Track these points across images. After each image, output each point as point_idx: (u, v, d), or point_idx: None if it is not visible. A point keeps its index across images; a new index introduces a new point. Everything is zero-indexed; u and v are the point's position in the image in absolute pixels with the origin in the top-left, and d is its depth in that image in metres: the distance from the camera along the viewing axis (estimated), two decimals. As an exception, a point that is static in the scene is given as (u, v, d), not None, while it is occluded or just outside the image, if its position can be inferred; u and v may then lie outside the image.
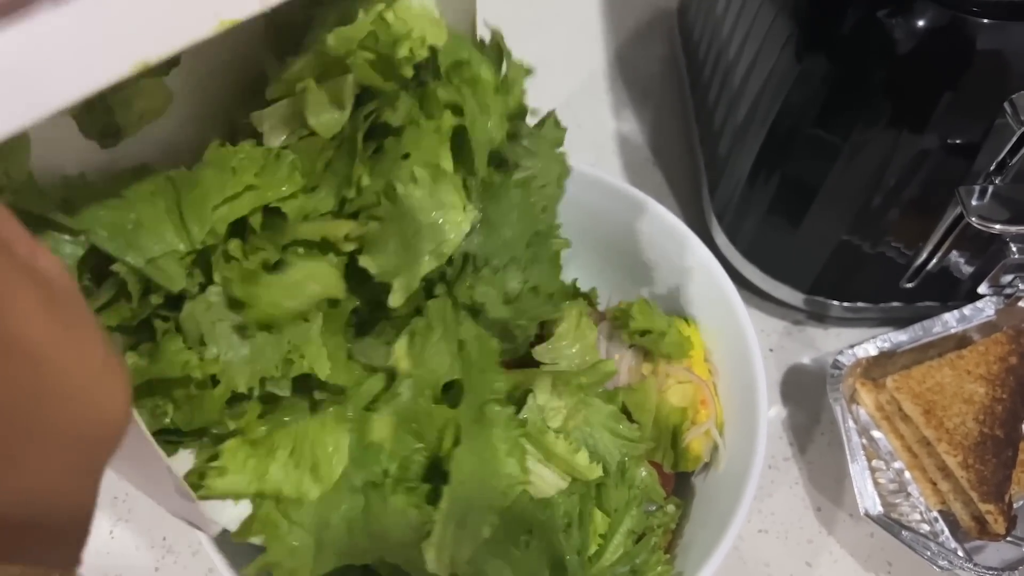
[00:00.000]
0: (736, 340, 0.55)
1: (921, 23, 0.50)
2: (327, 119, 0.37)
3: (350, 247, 0.38)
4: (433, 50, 0.37)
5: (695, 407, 0.56)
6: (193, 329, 0.35)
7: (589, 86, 0.85)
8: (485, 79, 0.40)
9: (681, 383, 0.57)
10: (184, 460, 0.39)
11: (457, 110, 0.39)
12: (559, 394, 0.49)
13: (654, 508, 0.50)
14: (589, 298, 0.62)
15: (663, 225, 0.58)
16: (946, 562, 0.56)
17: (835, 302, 0.67)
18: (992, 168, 0.55)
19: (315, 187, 0.37)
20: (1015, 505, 0.59)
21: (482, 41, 0.42)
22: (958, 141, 0.54)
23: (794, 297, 0.68)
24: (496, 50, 0.42)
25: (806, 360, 0.70)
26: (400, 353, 0.41)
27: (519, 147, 0.43)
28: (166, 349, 0.35)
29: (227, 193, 0.35)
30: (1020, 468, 0.60)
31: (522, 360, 0.57)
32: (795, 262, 0.67)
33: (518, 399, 0.49)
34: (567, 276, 0.63)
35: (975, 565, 0.56)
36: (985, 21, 0.49)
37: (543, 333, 0.57)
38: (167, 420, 0.36)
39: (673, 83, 0.86)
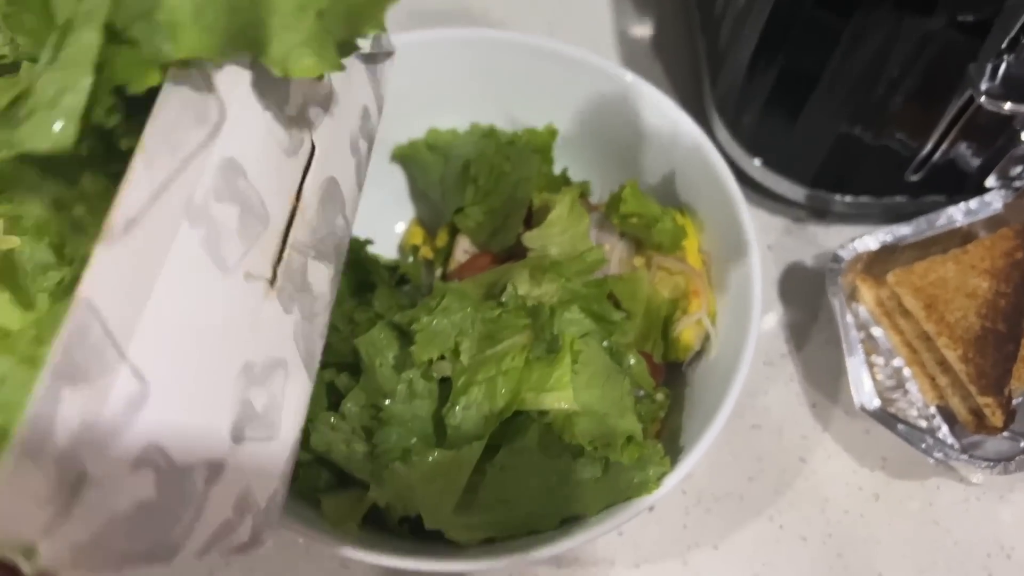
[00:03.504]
0: (730, 226, 0.53)
1: None
2: None
3: None
4: None
5: (687, 297, 0.54)
6: None
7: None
8: None
9: (673, 274, 0.55)
10: None
11: None
12: (539, 283, 0.48)
13: (642, 395, 0.49)
14: (582, 190, 0.60)
15: (656, 108, 0.56)
16: (941, 454, 0.55)
17: (838, 196, 0.65)
18: (1004, 46, 0.52)
19: None
20: (1014, 401, 0.58)
21: None
22: (968, 18, 0.51)
23: (796, 192, 0.66)
24: None
25: (806, 258, 0.68)
26: None
27: None
28: None
29: None
30: (1021, 363, 0.59)
31: (511, 250, 0.56)
32: (797, 155, 0.65)
33: (498, 294, 0.48)
34: (558, 166, 0.62)
35: (971, 456, 0.55)
36: None
37: (532, 221, 0.55)
38: None
39: (675, -25, 0.82)
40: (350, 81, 0.32)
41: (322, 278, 0.30)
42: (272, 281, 0.27)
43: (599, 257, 0.51)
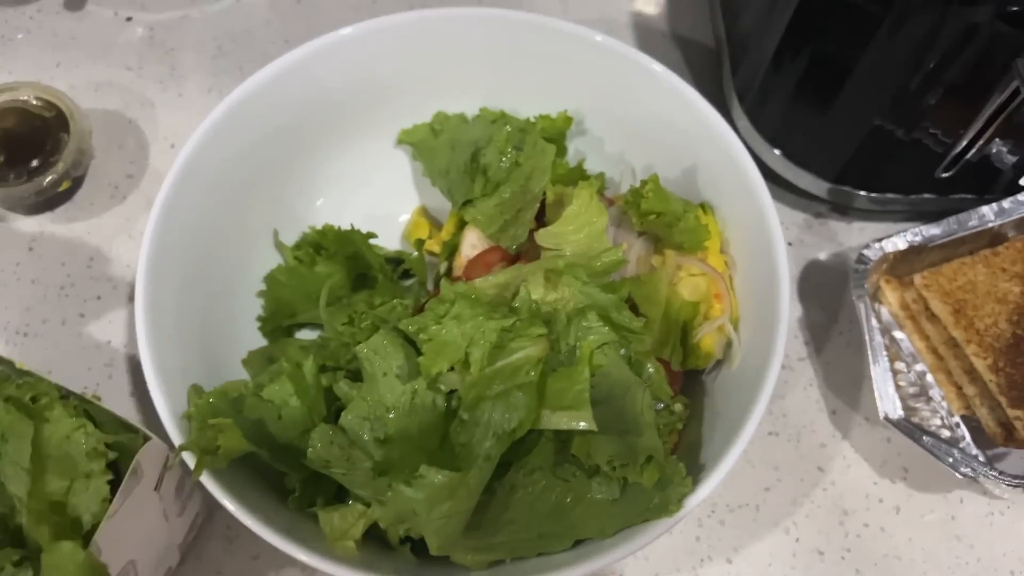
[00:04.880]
0: (757, 228, 0.50)
1: None
2: None
3: None
4: None
5: (708, 301, 0.51)
6: None
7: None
8: None
9: (694, 276, 0.52)
10: None
11: None
12: (554, 286, 0.45)
13: (660, 407, 0.46)
14: (599, 184, 0.56)
15: (678, 96, 0.52)
16: (968, 469, 0.52)
17: (862, 193, 0.62)
18: (1054, 39, 0.49)
19: None
20: (1045, 412, 0.55)
21: None
22: (1017, 10, 0.48)
23: (818, 187, 0.63)
24: None
25: (826, 255, 0.65)
26: None
27: None
28: None
29: None
30: (1053, 373, 0.56)
31: (523, 246, 0.53)
32: (822, 148, 0.61)
33: (511, 298, 0.45)
34: (573, 158, 0.58)
35: (1000, 473, 0.53)
36: None
37: (545, 220, 0.52)
38: None
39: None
40: None
41: None
42: None
43: (618, 258, 0.47)
